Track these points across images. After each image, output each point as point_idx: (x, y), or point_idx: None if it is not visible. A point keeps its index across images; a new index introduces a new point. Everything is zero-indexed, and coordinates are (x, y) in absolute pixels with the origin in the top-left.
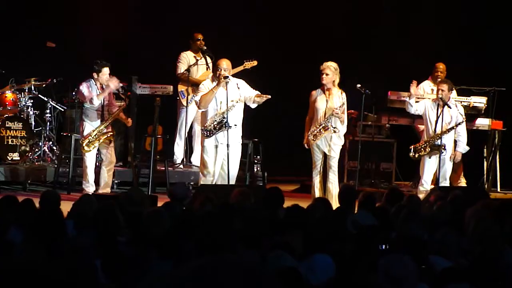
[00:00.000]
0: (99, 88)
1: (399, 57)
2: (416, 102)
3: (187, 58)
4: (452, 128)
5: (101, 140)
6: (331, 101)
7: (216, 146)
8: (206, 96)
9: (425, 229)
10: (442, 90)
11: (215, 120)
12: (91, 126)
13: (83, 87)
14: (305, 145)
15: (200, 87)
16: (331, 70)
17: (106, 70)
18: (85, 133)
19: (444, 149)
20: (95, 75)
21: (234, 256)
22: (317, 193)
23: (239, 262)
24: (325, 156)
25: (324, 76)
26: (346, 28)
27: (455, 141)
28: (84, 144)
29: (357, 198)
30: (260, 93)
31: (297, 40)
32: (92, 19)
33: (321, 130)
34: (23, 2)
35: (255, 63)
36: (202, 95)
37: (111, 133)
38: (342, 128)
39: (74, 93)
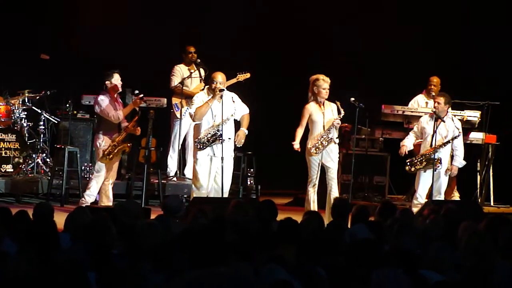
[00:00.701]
0: (113, 100)
1: (393, 71)
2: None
3: (180, 71)
4: (448, 142)
5: (118, 152)
6: (327, 113)
7: (210, 159)
8: (201, 109)
9: (418, 243)
10: (438, 103)
11: (209, 133)
12: (109, 139)
13: (105, 103)
14: (294, 145)
15: (194, 99)
16: (329, 85)
17: (117, 76)
18: (103, 145)
19: (440, 163)
20: (108, 84)
21: (227, 269)
22: (313, 206)
23: (232, 275)
24: (322, 169)
25: (324, 91)
26: (340, 41)
27: (452, 156)
28: (105, 156)
29: (351, 212)
30: (244, 131)
31: (289, 51)
32: (86, 31)
33: (323, 142)
34: (16, 15)
35: (248, 75)
36: (197, 108)
37: (129, 145)
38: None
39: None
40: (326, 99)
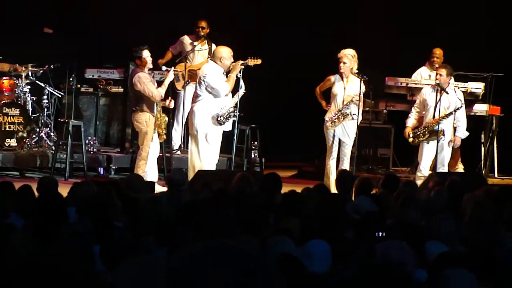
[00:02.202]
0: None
1: (396, 43)
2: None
3: (183, 42)
4: (451, 113)
5: (163, 126)
6: (349, 88)
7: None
8: (231, 83)
9: (422, 215)
10: (441, 75)
11: (229, 109)
12: (152, 117)
13: (148, 80)
14: (325, 106)
15: (213, 75)
16: (348, 58)
17: (146, 53)
18: (149, 123)
19: (443, 134)
20: (138, 61)
21: (232, 242)
22: (332, 180)
23: (236, 248)
24: (339, 143)
25: (341, 64)
26: (344, 12)
27: (455, 127)
28: (157, 134)
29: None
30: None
31: (295, 23)
32: (90, 4)
33: (340, 117)
34: None
35: (259, 61)
36: (227, 83)
37: (166, 118)
38: (359, 117)
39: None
40: (355, 74)
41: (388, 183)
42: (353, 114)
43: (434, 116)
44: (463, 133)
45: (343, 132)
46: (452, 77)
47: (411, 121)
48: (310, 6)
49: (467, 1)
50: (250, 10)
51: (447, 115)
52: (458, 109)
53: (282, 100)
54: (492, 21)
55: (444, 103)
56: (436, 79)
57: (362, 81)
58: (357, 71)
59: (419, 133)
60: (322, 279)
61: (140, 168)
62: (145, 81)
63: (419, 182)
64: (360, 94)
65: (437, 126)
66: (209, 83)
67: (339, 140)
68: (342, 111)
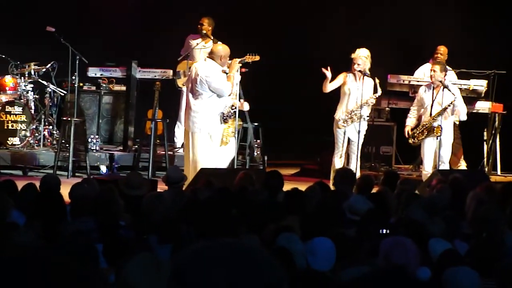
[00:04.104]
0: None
1: (399, 40)
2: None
3: (189, 43)
4: (445, 108)
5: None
6: (364, 89)
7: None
8: (232, 82)
9: (425, 212)
10: (434, 71)
11: (231, 108)
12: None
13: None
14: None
15: (213, 73)
16: (362, 60)
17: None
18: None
19: (441, 130)
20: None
21: (234, 240)
22: None
23: (239, 246)
24: (347, 142)
25: (355, 65)
26: (346, 11)
27: (455, 122)
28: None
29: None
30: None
31: (296, 21)
32: (92, 4)
33: (353, 117)
34: None
35: (257, 58)
36: (229, 82)
37: (240, 123)
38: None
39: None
40: (366, 75)
41: (389, 180)
42: (367, 116)
43: (431, 114)
44: (464, 117)
45: (353, 131)
46: (454, 74)
47: (410, 121)
48: (310, 4)
49: None
50: (249, 6)
51: (441, 111)
52: (451, 103)
53: (284, 98)
54: (493, 20)
55: (438, 99)
56: (430, 76)
57: (377, 81)
58: (368, 73)
59: (417, 133)
60: (326, 277)
61: None
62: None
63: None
64: (376, 96)
65: (434, 123)
66: (212, 83)
67: (348, 138)
68: (356, 113)
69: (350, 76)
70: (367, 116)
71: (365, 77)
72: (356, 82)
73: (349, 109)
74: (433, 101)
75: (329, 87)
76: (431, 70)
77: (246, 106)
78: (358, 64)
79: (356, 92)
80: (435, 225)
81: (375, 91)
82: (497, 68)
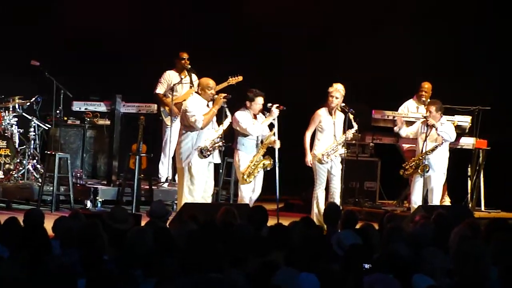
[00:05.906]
0: (252, 118)
1: (384, 76)
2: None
3: (169, 78)
4: (436, 147)
5: (259, 169)
6: (337, 123)
7: (208, 165)
8: (209, 117)
9: (408, 248)
10: (430, 112)
11: (214, 140)
12: (248, 156)
13: (244, 118)
14: (308, 162)
15: (189, 106)
16: (340, 94)
17: (260, 100)
18: (243, 163)
19: (429, 168)
20: (247, 103)
21: (218, 275)
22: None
23: (223, 282)
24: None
25: (333, 99)
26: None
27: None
28: (245, 176)
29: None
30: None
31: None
32: (77, 37)
33: (333, 152)
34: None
35: (240, 78)
36: (205, 115)
37: (269, 162)
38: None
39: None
40: (339, 109)
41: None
42: (344, 152)
43: (422, 150)
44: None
45: (334, 166)
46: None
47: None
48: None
49: (453, 34)
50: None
51: (433, 148)
52: (443, 142)
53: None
54: (479, 53)
55: (432, 138)
56: (427, 116)
57: (351, 116)
58: (343, 104)
59: (408, 167)
60: None
61: None
62: (241, 120)
63: None
64: (356, 131)
65: (424, 160)
66: (187, 117)
67: (328, 172)
68: (335, 148)
69: (324, 111)
70: (347, 151)
71: (337, 111)
72: (331, 117)
73: (328, 146)
74: (426, 138)
75: (308, 136)
76: (427, 110)
77: (277, 144)
78: (336, 98)
79: (332, 128)
80: (419, 261)
81: (350, 126)
82: (482, 104)
